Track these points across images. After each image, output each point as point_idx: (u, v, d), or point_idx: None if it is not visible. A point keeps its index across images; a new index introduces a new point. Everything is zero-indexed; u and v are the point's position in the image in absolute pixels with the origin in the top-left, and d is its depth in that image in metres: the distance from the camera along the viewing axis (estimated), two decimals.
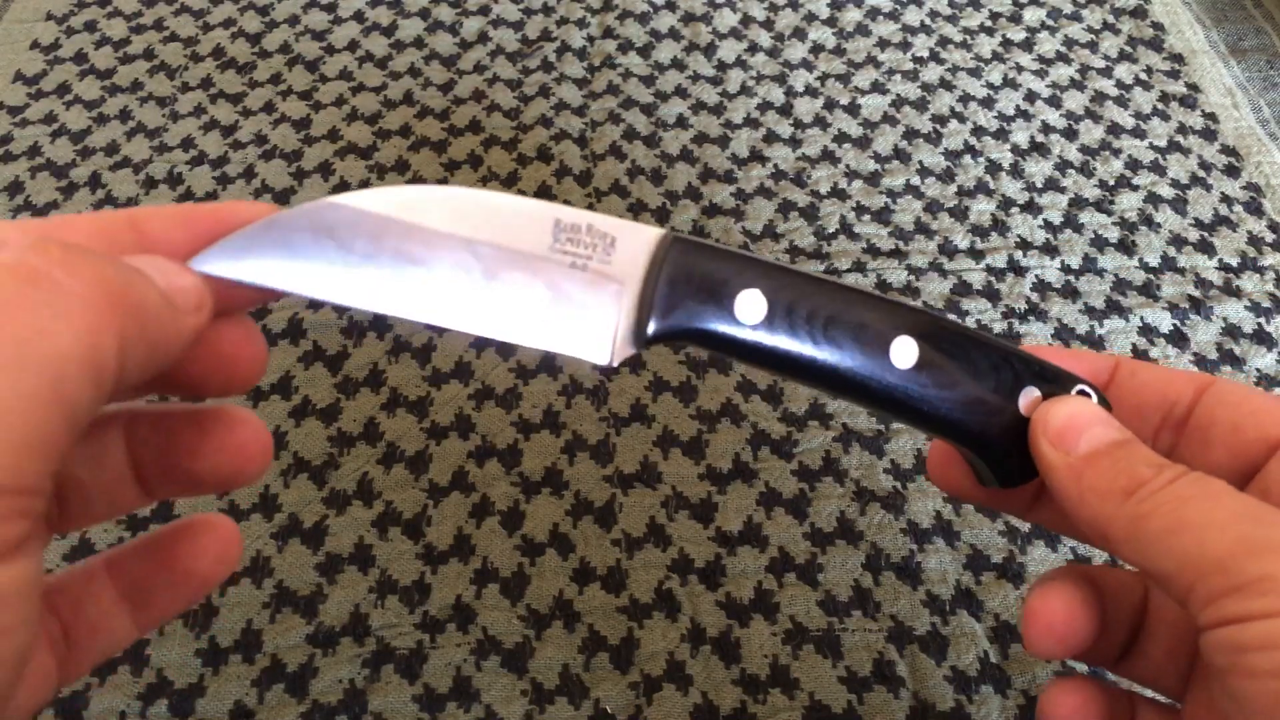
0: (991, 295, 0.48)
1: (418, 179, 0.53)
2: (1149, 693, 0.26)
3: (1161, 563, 0.19)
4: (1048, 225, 0.51)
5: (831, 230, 0.51)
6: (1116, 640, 0.25)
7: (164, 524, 0.21)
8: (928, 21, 0.61)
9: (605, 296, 0.22)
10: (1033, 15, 0.62)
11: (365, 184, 0.53)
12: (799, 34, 0.61)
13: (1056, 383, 0.24)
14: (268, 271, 0.20)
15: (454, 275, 0.21)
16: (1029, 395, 0.24)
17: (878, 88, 0.58)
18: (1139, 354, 0.47)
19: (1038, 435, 0.23)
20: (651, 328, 0.22)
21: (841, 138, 0.55)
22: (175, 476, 0.20)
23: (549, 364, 0.46)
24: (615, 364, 0.22)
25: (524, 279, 0.21)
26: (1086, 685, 0.25)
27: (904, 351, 0.23)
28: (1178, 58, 0.59)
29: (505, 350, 0.46)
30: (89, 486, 0.19)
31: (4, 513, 0.13)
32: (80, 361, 0.14)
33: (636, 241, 0.22)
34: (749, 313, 0.22)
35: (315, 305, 0.48)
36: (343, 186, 0.53)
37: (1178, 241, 0.51)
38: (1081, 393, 0.24)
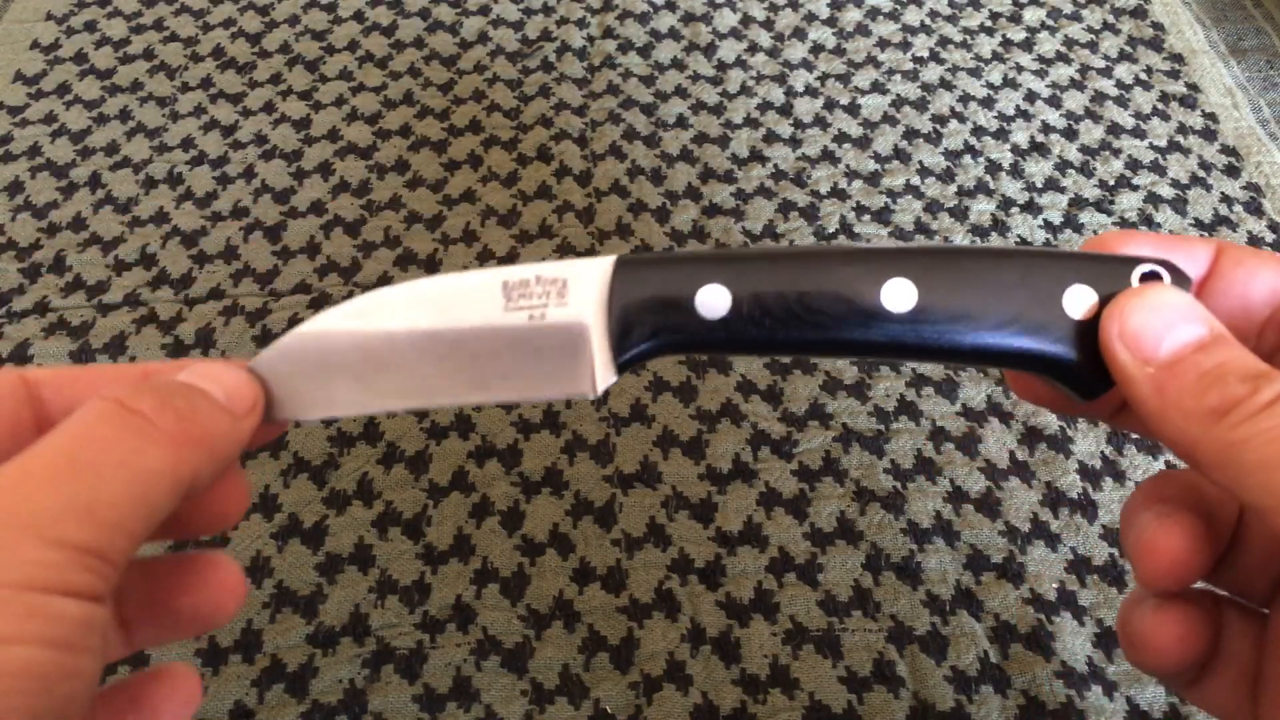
0: None
1: (418, 179, 0.53)
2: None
3: (1257, 497, 0.17)
4: (1048, 225, 0.51)
5: (831, 230, 0.51)
6: (1217, 554, 0.23)
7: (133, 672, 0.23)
8: (928, 21, 0.61)
9: (571, 337, 0.22)
10: (1033, 15, 0.62)
11: (365, 184, 0.53)
12: (799, 34, 0.61)
13: (1112, 272, 0.21)
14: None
15: (426, 366, 0.22)
16: (1079, 297, 0.21)
17: (878, 88, 0.58)
18: None
19: (1111, 339, 0.20)
20: (623, 353, 0.22)
21: (841, 138, 0.55)
22: (157, 618, 0.22)
23: None
24: (600, 394, 0.22)
25: (490, 348, 0.22)
26: (1188, 608, 0.22)
27: (899, 295, 0.21)
28: (1178, 58, 0.59)
29: None
30: None
31: (96, 570, 0.16)
32: (163, 476, 0.18)
33: (587, 277, 0.22)
34: (714, 307, 0.22)
35: (314, 304, 0.48)
36: (343, 186, 0.53)
37: None
38: (1151, 275, 0.21)
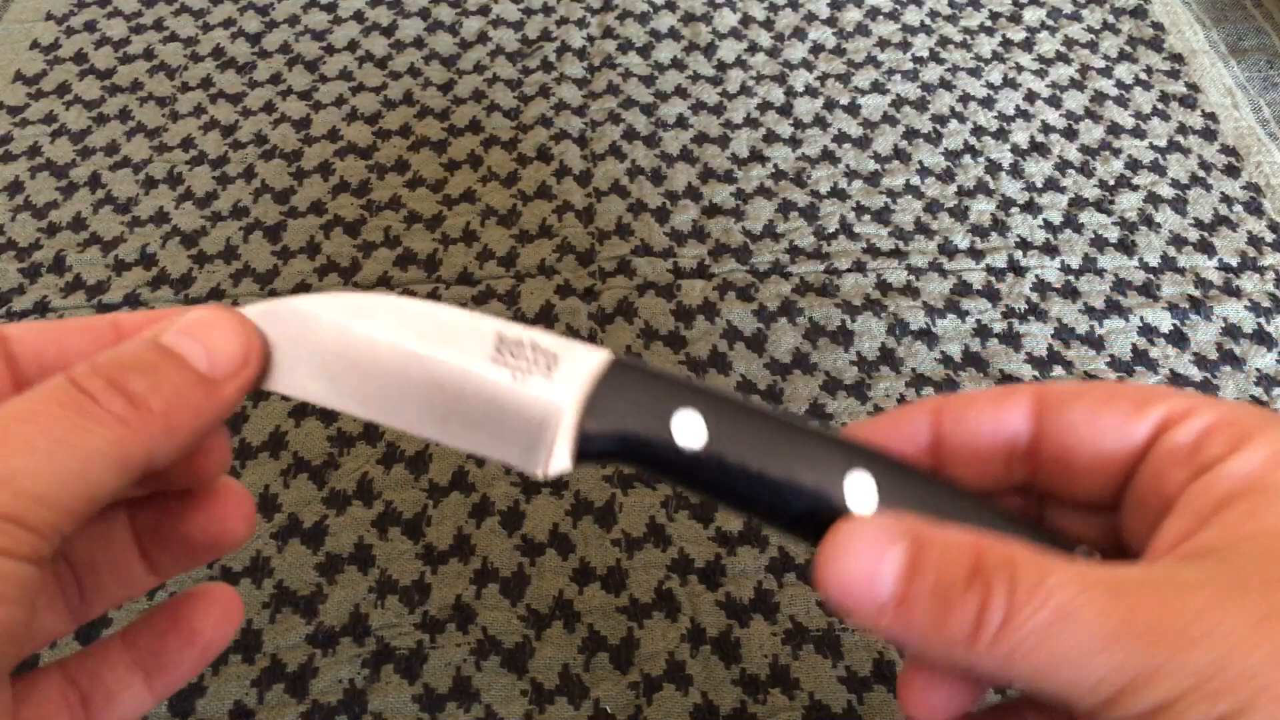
0: (991, 295, 0.48)
1: (418, 179, 0.53)
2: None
3: (1062, 696, 0.17)
4: (1048, 225, 0.51)
5: (831, 230, 0.51)
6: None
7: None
8: (928, 21, 0.61)
9: (544, 413, 0.21)
10: (1033, 15, 0.62)
11: (365, 184, 0.53)
12: (799, 34, 0.61)
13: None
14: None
15: (397, 383, 0.22)
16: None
17: (878, 88, 0.58)
18: (1139, 354, 0.46)
19: (831, 600, 0.19)
20: (585, 447, 0.21)
21: (841, 138, 0.55)
22: (173, 545, 0.23)
23: None
24: (546, 477, 0.22)
25: (462, 391, 0.21)
26: (938, 686, 0.21)
27: (860, 489, 0.20)
28: (1178, 58, 0.59)
29: None
30: (101, 567, 0.23)
31: (14, 535, 0.17)
32: (103, 454, 0.18)
33: (580, 362, 0.22)
34: (687, 437, 0.21)
35: None
36: (342, 186, 0.53)
37: (1178, 241, 0.51)
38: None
